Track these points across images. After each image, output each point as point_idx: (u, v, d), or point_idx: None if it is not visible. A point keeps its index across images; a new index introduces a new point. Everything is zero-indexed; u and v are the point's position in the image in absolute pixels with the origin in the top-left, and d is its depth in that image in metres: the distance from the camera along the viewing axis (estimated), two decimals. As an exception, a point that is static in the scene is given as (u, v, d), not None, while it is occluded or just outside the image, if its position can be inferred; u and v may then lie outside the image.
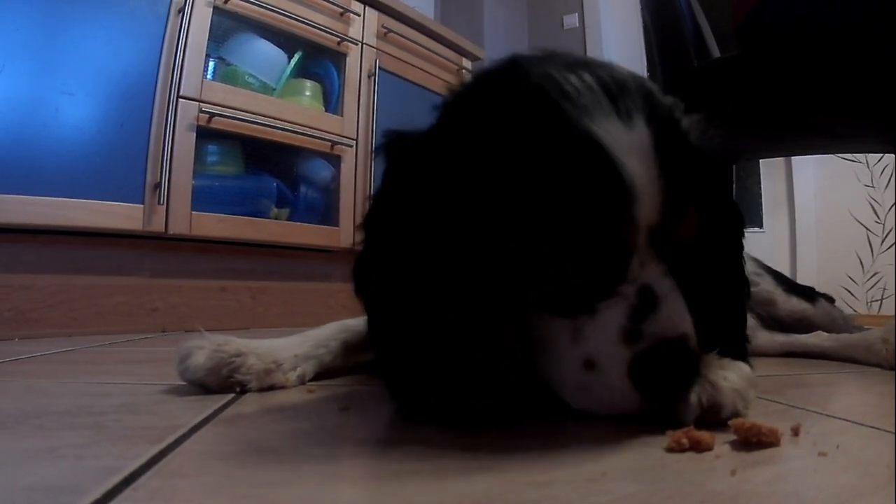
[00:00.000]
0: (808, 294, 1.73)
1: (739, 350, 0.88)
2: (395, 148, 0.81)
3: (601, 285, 0.70)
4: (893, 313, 3.81)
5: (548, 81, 0.71)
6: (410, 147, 0.79)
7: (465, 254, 0.71)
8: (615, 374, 0.68)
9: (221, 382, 0.93)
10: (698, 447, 0.63)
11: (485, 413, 0.73)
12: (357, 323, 1.15)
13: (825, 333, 1.58)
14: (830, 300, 1.78)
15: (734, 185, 0.95)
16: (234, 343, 0.97)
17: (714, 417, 0.71)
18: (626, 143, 0.67)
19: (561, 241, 0.68)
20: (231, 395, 0.91)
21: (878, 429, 0.75)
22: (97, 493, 0.48)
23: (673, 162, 0.70)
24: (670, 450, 0.63)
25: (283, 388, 0.98)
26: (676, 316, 0.69)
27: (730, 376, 0.74)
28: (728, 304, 0.89)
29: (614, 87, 0.71)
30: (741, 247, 0.92)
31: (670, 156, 0.70)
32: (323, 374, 1.07)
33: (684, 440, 0.63)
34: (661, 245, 0.71)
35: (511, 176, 0.69)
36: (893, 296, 4.28)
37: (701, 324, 0.72)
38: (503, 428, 0.73)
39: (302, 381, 1.02)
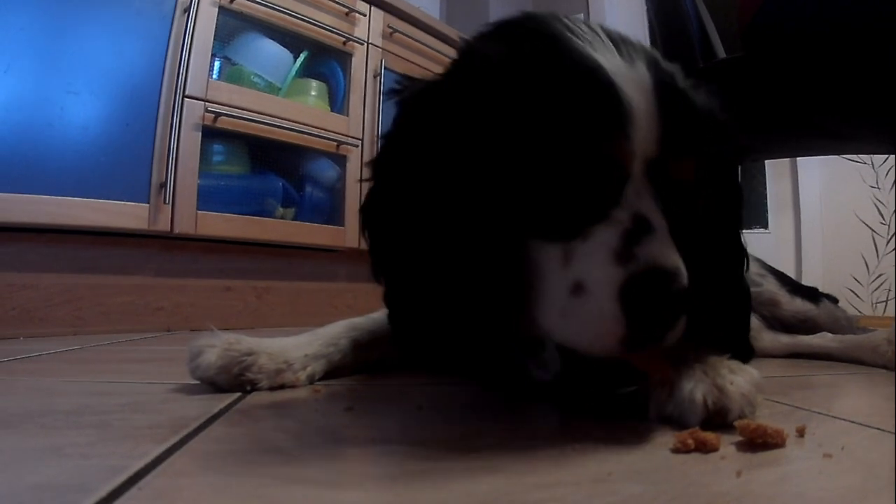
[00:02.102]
0: (812, 295, 1.73)
1: (736, 334, 0.89)
2: (406, 92, 0.83)
3: (594, 208, 0.69)
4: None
5: (556, 22, 0.75)
6: (419, 91, 0.81)
7: (467, 186, 0.72)
8: (604, 295, 0.66)
9: (232, 381, 0.94)
10: (704, 448, 0.63)
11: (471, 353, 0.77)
12: (365, 321, 1.16)
13: (829, 335, 1.58)
14: (834, 301, 1.78)
15: (739, 167, 0.94)
16: (245, 342, 0.97)
17: (720, 420, 0.71)
18: (627, 76, 0.69)
19: (556, 161, 0.68)
20: (237, 395, 0.91)
21: (883, 430, 0.75)
22: (102, 491, 0.48)
23: (672, 104, 0.71)
24: (676, 451, 0.63)
25: (293, 387, 0.99)
26: (671, 250, 0.67)
27: (737, 380, 0.74)
28: (723, 278, 0.89)
29: (620, 38, 0.74)
30: (739, 225, 0.92)
31: (669, 98, 0.71)
32: (332, 372, 1.07)
33: (690, 441, 0.63)
34: (658, 181, 0.71)
35: (512, 103, 0.71)
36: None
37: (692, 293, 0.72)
38: (505, 426, 0.73)
39: (312, 380, 1.02)
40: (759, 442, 0.65)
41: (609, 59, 0.70)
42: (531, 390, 0.89)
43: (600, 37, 0.73)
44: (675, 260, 0.66)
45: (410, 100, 0.82)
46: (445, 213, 0.74)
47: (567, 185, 0.69)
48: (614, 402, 0.86)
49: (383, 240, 0.83)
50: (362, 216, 0.84)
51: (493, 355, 0.91)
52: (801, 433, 0.70)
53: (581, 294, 0.67)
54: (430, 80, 0.81)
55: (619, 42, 0.73)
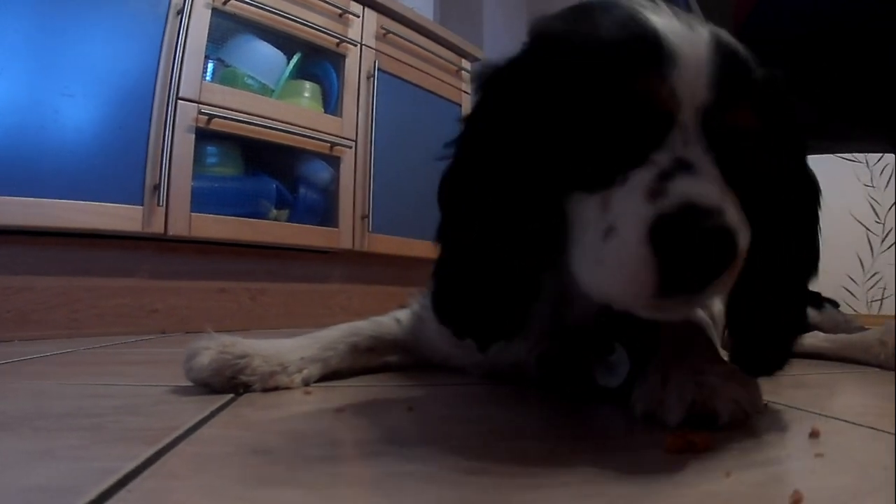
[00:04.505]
0: (815, 301, 1.73)
1: (782, 343, 0.84)
2: (483, 76, 0.81)
3: (635, 154, 0.65)
4: (894, 314, 3.81)
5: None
6: (490, 74, 0.80)
7: (531, 152, 0.72)
8: (631, 234, 0.61)
9: (226, 383, 0.94)
10: (694, 448, 0.63)
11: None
12: (366, 325, 1.16)
13: (822, 334, 1.58)
14: (835, 305, 1.78)
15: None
16: (241, 344, 0.97)
17: (710, 423, 0.70)
18: (678, 31, 0.68)
19: (602, 112, 0.67)
20: (229, 397, 0.91)
21: (876, 429, 0.75)
22: (92, 494, 0.48)
23: (727, 59, 0.69)
24: (666, 451, 0.63)
25: (287, 389, 0.99)
26: (713, 188, 0.62)
27: (731, 386, 0.73)
28: (782, 280, 0.81)
29: (684, 12, 0.72)
30: (815, 220, 0.87)
31: (724, 54, 0.69)
32: (329, 376, 1.07)
33: (680, 441, 0.63)
34: (713, 133, 0.67)
35: (567, 69, 0.70)
36: (894, 296, 4.27)
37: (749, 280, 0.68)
38: (496, 427, 0.73)
39: (307, 383, 1.02)
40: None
41: (663, 20, 0.69)
42: (592, 393, 0.89)
43: (661, 6, 0.71)
44: (714, 196, 0.61)
45: (482, 84, 0.81)
46: (508, 179, 0.74)
47: (610, 134, 0.67)
48: (602, 396, 0.87)
49: (452, 209, 0.82)
50: (439, 190, 0.83)
51: (555, 355, 0.92)
52: (815, 435, 0.70)
53: (612, 238, 0.64)
54: (500, 64, 0.80)
55: (681, 13, 0.71)
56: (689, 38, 0.68)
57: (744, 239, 0.62)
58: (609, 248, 0.64)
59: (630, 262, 0.62)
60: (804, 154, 0.85)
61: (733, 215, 0.61)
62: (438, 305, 0.83)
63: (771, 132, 0.73)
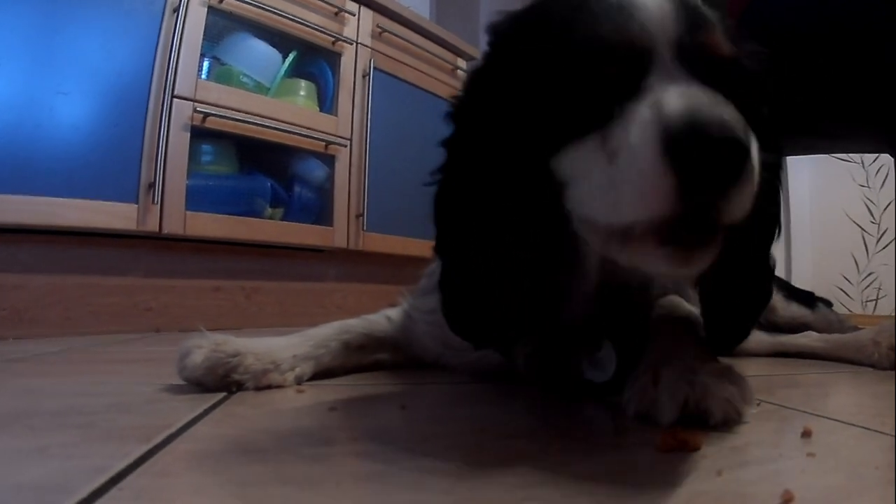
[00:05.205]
0: (808, 300, 1.73)
1: (747, 316, 0.87)
2: (454, 107, 0.83)
3: (624, 93, 0.65)
4: (891, 313, 3.81)
5: None
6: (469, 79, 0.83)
7: (519, 138, 0.74)
8: (643, 151, 0.58)
9: (218, 382, 0.94)
10: (686, 447, 0.63)
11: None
12: (358, 323, 1.16)
13: (815, 334, 1.58)
14: (828, 305, 1.78)
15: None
16: (233, 343, 0.97)
17: (702, 422, 0.70)
18: None
19: (584, 71, 0.68)
20: (222, 395, 0.91)
21: (868, 429, 0.75)
22: (84, 492, 0.49)
23: (690, 9, 0.71)
24: (657, 450, 0.63)
25: (280, 387, 0.99)
26: (707, 97, 0.60)
27: (724, 385, 0.73)
28: (749, 246, 0.80)
29: None
30: (778, 177, 0.85)
31: (687, 6, 0.71)
32: (322, 374, 1.07)
33: (672, 440, 0.63)
34: (691, 61, 0.67)
35: (540, 50, 0.73)
36: (889, 295, 4.28)
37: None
38: (487, 426, 0.73)
39: (299, 381, 1.03)
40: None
41: None
42: (583, 390, 0.90)
43: None
44: (713, 101, 0.59)
45: (461, 98, 0.83)
46: (503, 177, 0.75)
47: (595, 87, 0.67)
48: (592, 394, 0.87)
49: (450, 218, 0.82)
50: (433, 208, 0.83)
51: (545, 353, 0.92)
52: (807, 434, 0.70)
53: (616, 160, 0.62)
54: (467, 81, 0.83)
55: None
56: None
57: (753, 144, 0.59)
58: (618, 169, 0.62)
59: (644, 182, 0.59)
60: (767, 106, 0.85)
61: (735, 116, 0.58)
62: (453, 322, 0.84)
63: (741, 61, 0.75)
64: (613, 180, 0.62)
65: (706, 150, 0.55)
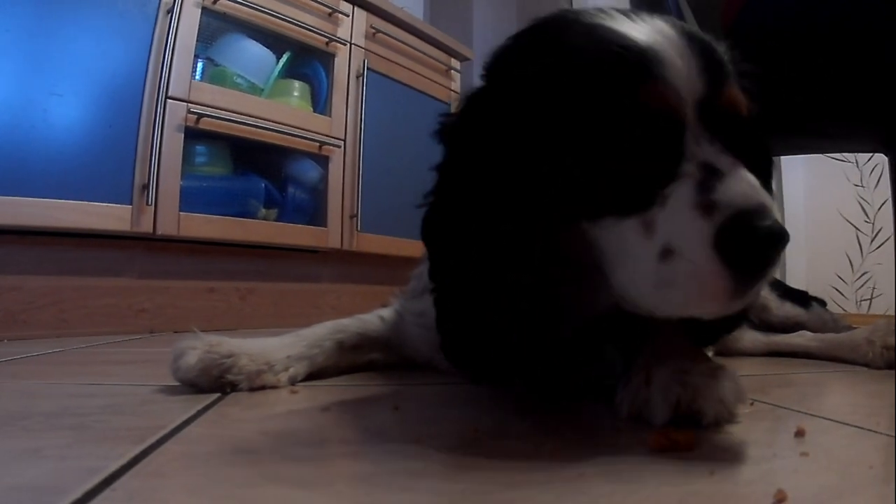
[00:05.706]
0: (802, 299, 1.73)
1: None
2: (447, 129, 0.81)
3: (662, 170, 0.66)
4: (885, 312, 3.82)
5: (585, 13, 0.75)
6: (463, 111, 0.80)
7: (524, 180, 0.72)
8: (699, 251, 0.63)
9: (212, 383, 0.94)
10: (678, 448, 0.63)
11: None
12: (351, 323, 1.16)
13: (809, 333, 1.58)
14: (822, 304, 1.78)
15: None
16: (227, 344, 0.97)
17: (694, 422, 0.70)
18: (650, 33, 0.69)
19: (608, 131, 0.67)
20: (215, 396, 0.91)
21: (862, 428, 0.76)
22: (77, 493, 0.49)
23: (703, 48, 0.71)
24: (650, 450, 0.63)
25: (274, 388, 0.99)
26: (748, 185, 0.64)
27: (716, 385, 0.73)
28: None
29: (635, 13, 0.73)
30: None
31: (699, 44, 0.71)
32: (316, 374, 1.07)
33: (664, 441, 0.63)
34: (711, 120, 0.68)
35: (556, 92, 0.70)
36: (883, 294, 4.28)
37: None
38: (480, 426, 0.74)
39: (293, 381, 1.03)
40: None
41: (629, 25, 0.70)
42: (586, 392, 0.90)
43: (629, 14, 0.72)
44: (756, 195, 0.63)
45: (445, 136, 0.81)
46: (503, 208, 0.73)
47: (626, 151, 0.67)
48: (586, 395, 0.87)
49: (445, 244, 0.81)
50: (423, 225, 0.82)
51: (550, 358, 0.92)
52: (801, 434, 0.70)
53: (672, 259, 0.65)
54: (463, 105, 0.80)
55: (633, 14, 0.73)
56: (664, 38, 0.69)
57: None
58: (671, 269, 0.65)
59: (700, 277, 0.63)
60: (765, 131, 0.87)
61: (769, 199, 0.63)
62: (451, 356, 0.83)
63: (752, 107, 0.75)
64: (672, 282, 0.65)
65: (762, 251, 0.63)
